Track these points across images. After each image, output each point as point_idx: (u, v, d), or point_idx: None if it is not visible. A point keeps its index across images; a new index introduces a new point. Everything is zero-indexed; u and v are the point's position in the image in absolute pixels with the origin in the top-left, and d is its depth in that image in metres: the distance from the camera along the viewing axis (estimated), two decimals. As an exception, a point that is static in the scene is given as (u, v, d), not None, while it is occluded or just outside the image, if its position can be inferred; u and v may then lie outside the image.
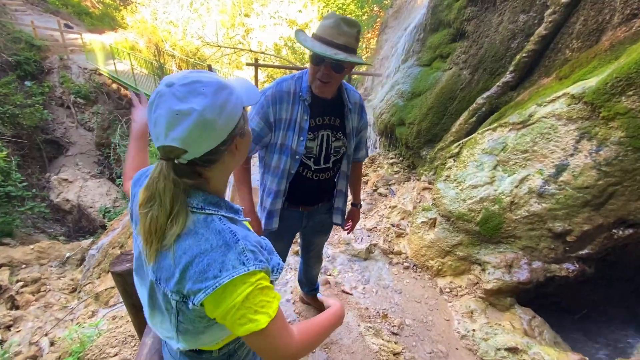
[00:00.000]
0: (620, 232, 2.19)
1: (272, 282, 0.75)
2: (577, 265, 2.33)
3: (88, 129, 11.11)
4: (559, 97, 2.39)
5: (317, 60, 1.29)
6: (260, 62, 10.36)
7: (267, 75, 12.81)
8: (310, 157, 1.49)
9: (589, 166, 2.18)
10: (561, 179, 2.28)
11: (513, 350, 2.06)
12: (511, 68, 3.14)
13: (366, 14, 11.17)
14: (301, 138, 1.43)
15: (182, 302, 0.68)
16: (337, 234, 3.28)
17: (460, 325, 2.40)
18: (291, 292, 2.52)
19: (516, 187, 2.46)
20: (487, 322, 2.35)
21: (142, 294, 0.81)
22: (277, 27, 15.64)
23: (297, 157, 1.46)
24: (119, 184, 8.79)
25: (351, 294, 2.60)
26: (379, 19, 10.55)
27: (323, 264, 2.89)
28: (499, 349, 2.10)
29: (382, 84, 4.94)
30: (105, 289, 4.66)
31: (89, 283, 5.39)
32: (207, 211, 0.69)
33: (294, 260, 2.85)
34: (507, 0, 3.23)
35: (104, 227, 8.00)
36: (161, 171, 0.67)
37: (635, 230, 2.17)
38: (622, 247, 2.31)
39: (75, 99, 11.10)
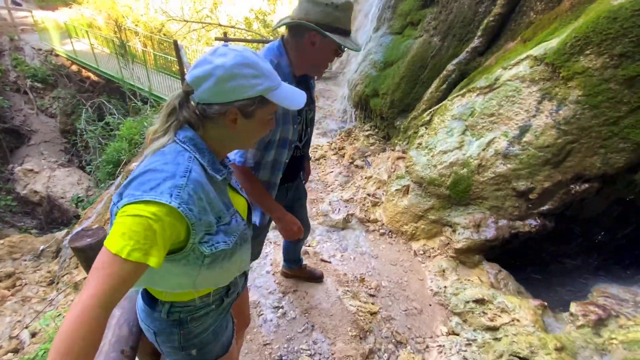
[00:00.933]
0: (577, 187, 2.33)
1: (195, 244, 0.73)
2: (539, 221, 2.47)
3: (50, 116, 10.44)
4: (522, 59, 2.44)
5: (339, 51, 1.27)
6: (230, 37, 9.91)
7: (239, 52, 12.30)
8: (299, 138, 1.52)
9: (549, 126, 2.27)
10: (524, 139, 2.37)
11: (480, 301, 2.21)
12: (479, 33, 3.16)
13: (339, -17, 10.79)
14: (295, 126, 1.40)
15: (114, 205, 0.68)
16: (315, 207, 3.32)
17: (433, 284, 2.54)
18: (270, 264, 2.57)
19: (483, 150, 2.54)
20: (457, 279, 2.49)
21: None
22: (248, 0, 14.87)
23: (293, 145, 1.45)
24: (90, 171, 8.42)
25: (330, 262, 2.68)
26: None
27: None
28: (467, 302, 2.25)
29: (356, 55, 4.86)
30: (85, 277, 4.58)
31: (67, 274, 5.26)
32: (187, 147, 0.75)
33: (272, 234, 2.88)
34: (474, -38, 3.20)
35: (78, 217, 7.73)
36: (174, 96, 0.79)
37: (591, 185, 2.32)
38: (579, 201, 2.46)
39: (32, 83, 10.32)
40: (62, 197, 8.80)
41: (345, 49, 1.24)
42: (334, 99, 5.78)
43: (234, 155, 1.30)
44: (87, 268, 1.10)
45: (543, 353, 1.72)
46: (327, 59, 1.31)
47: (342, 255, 2.77)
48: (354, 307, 2.24)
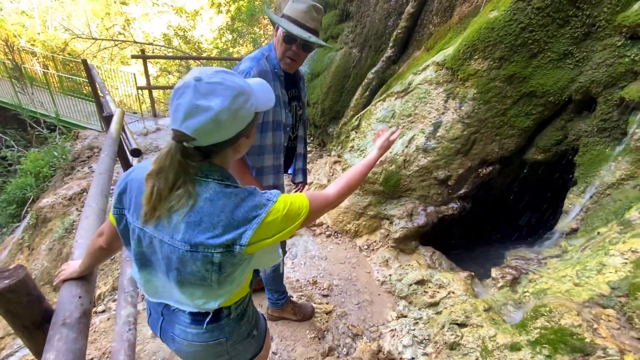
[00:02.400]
0: (484, 170, 2.73)
1: None
2: (459, 203, 2.83)
3: None
4: (428, 65, 2.81)
5: (290, 40, 1.39)
6: (149, 54, 9.35)
7: (160, 69, 11.64)
8: (290, 127, 1.65)
9: (455, 121, 2.64)
10: (438, 134, 2.71)
11: (421, 282, 2.44)
12: (391, 44, 3.52)
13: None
14: (285, 110, 1.54)
15: (226, 252, 0.78)
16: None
17: (379, 274, 2.72)
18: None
19: (406, 147, 2.83)
20: (399, 266, 2.70)
21: (157, 280, 0.91)
22: (164, 15, 14.23)
23: (287, 129, 1.58)
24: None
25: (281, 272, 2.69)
26: (272, 4, 10.48)
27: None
28: (410, 285, 2.46)
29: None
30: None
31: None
32: (226, 182, 0.81)
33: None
34: (379, -18, 3.58)
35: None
36: (169, 150, 0.76)
37: (494, 167, 2.74)
38: (486, 182, 2.89)
39: None
40: (-53, 252, 7.22)
41: (308, 44, 1.39)
42: (267, 111, 5.83)
43: None
44: (9, 315, 0.95)
45: (475, 315, 1.97)
46: (283, 49, 1.42)
47: (292, 262, 2.80)
48: (309, 310, 2.29)
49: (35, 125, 7.40)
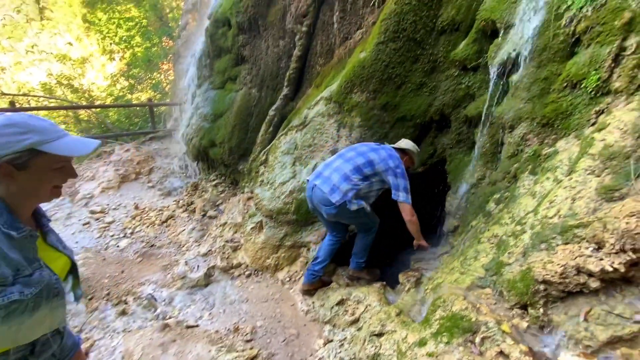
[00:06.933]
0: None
1: None
2: (365, 220, 3.06)
3: None
4: (318, 101, 3.10)
5: (410, 166, 2.68)
6: (25, 106, 8.13)
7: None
8: None
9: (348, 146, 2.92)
10: (336, 160, 2.95)
11: (341, 302, 2.51)
12: (286, 83, 3.80)
13: (156, 46, 10.69)
14: None
15: None
16: (170, 272, 3.03)
17: (303, 304, 2.71)
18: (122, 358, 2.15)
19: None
20: (322, 291, 2.75)
21: None
22: (44, 64, 12.68)
23: None
24: None
25: (197, 326, 2.47)
26: (170, 50, 10.32)
27: (161, 309, 2.62)
28: (332, 308, 2.51)
29: (184, 111, 4.90)
30: None
31: None
32: None
33: (121, 323, 2.42)
34: (267, 29, 3.89)
35: None
36: None
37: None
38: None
39: None
40: None
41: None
42: (173, 156, 5.55)
43: (404, 197, 2.37)
44: None
45: (389, 322, 2.10)
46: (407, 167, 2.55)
47: (210, 314, 2.61)
48: (231, 360, 2.13)
49: None
